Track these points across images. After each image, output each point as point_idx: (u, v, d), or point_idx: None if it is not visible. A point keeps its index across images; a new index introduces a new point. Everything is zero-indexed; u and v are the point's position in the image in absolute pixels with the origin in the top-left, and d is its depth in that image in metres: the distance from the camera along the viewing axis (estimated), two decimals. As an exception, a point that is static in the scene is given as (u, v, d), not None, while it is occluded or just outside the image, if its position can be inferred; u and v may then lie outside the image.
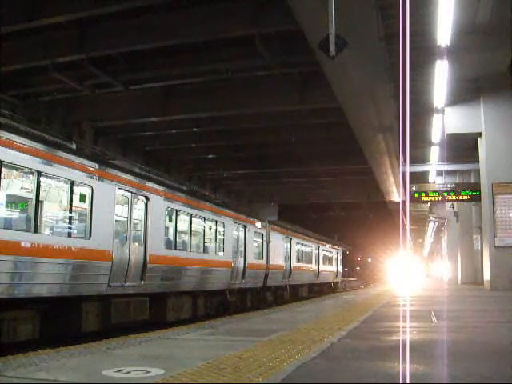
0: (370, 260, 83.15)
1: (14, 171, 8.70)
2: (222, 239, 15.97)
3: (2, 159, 7.84)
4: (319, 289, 30.00)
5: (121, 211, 10.86)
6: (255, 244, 19.07)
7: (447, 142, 19.53)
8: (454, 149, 22.43)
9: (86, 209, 9.75)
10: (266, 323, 8.34)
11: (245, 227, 17.70)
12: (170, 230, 12.98)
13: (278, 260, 21.13)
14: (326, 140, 26.85)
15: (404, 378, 3.40)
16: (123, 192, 10.84)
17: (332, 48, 9.38)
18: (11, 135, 8.09)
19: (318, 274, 28.84)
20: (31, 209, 8.54)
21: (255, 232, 18.88)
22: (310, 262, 27.92)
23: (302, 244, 26.40)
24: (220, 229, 15.87)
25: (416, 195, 22.84)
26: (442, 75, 14.94)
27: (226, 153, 29.85)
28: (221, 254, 15.77)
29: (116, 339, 6.62)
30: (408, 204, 23.74)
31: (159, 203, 12.14)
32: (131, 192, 11.07)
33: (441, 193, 22.85)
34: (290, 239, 23.59)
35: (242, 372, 3.71)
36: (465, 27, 13.17)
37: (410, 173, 24.97)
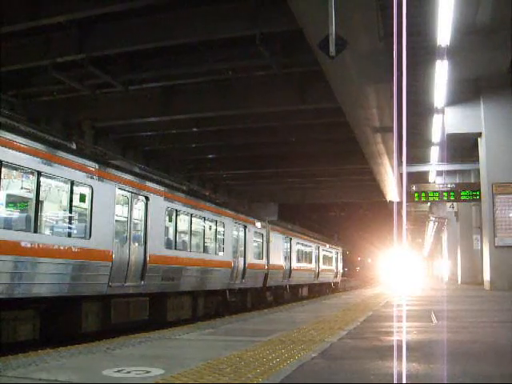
0: (370, 260, 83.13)
1: (14, 171, 8.70)
2: (221, 239, 15.97)
3: (2, 159, 7.85)
4: (319, 289, 30.00)
5: (121, 211, 10.86)
6: (255, 244, 19.07)
7: (447, 142, 19.53)
8: (453, 149, 22.43)
9: (85, 209, 9.76)
10: (266, 323, 8.34)
11: (245, 227, 17.70)
12: (169, 229, 12.98)
13: (277, 260, 21.13)
14: (326, 140, 26.85)
15: (404, 377, 3.40)
16: (123, 192, 10.85)
17: (332, 48, 9.38)
18: (11, 135, 8.09)
19: (317, 274, 28.84)
20: (31, 209, 8.54)
21: (255, 232, 18.89)
22: (310, 262, 27.92)
23: (302, 244, 26.40)
24: (220, 229, 15.87)
25: (416, 195, 22.84)
26: (442, 75, 14.94)
27: (226, 153, 29.84)
28: (221, 253, 15.77)
29: (116, 339, 6.62)
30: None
31: (159, 203, 12.14)
32: (131, 192, 11.07)
33: (441, 193, 22.85)
34: (290, 239, 23.59)
35: (242, 372, 3.71)
36: (465, 27, 13.16)
37: (410, 173, 24.94)
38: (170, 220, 12.94)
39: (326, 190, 39.54)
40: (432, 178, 26.95)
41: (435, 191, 23.11)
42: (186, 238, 13.86)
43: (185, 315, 13.30)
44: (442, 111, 18.10)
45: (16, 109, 19.94)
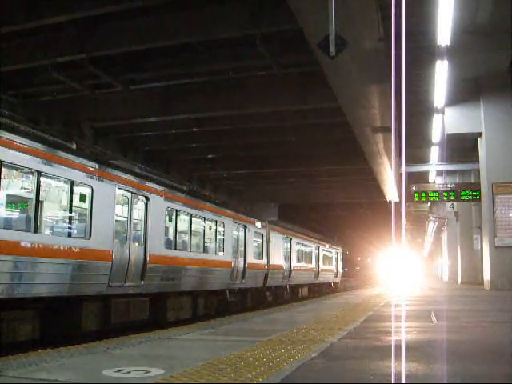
0: (369, 260, 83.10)
1: (14, 171, 8.70)
2: (221, 239, 15.97)
3: (2, 159, 7.85)
4: (319, 289, 30.01)
5: (121, 211, 10.86)
6: (255, 244, 19.07)
7: (447, 142, 19.54)
8: (453, 149, 22.44)
9: (85, 209, 9.76)
10: (266, 323, 8.35)
11: (245, 227, 17.70)
12: (169, 229, 12.99)
13: (277, 260, 21.13)
14: (326, 140, 26.82)
15: (404, 378, 3.40)
16: (123, 192, 10.85)
17: (332, 48, 9.39)
18: (11, 135, 8.09)
19: (317, 274, 28.84)
20: (31, 209, 8.54)
21: (255, 232, 18.88)
22: (310, 262, 27.92)
23: (302, 244, 26.40)
24: (220, 229, 15.87)
25: (416, 195, 22.85)
26: (442, 75, 14.95)
27: (226, 153, 29.82)
28: (221, 253, 15.77)
29: (116, 339, 6.63)
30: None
31: (159, 203, 12.14)
32: (131, 192, 11.07)
33: (441, 193, 22.86)
34: (290, 239, 23.59)
35: (242, 372, 3.71)
36: (465, 27, 13.17)
37: (410, 173, 24.97)
38: (170, 220, 12.95)
39: (326, 190, 39.50)
40: (432, 177, 26.97)
41: (435, 191, 23.13)
42: (186, 237, 13.86)
43: (185, 315, 13.30)
44: (442, 111, 18.11)
45: (16, 109, 19.93)
